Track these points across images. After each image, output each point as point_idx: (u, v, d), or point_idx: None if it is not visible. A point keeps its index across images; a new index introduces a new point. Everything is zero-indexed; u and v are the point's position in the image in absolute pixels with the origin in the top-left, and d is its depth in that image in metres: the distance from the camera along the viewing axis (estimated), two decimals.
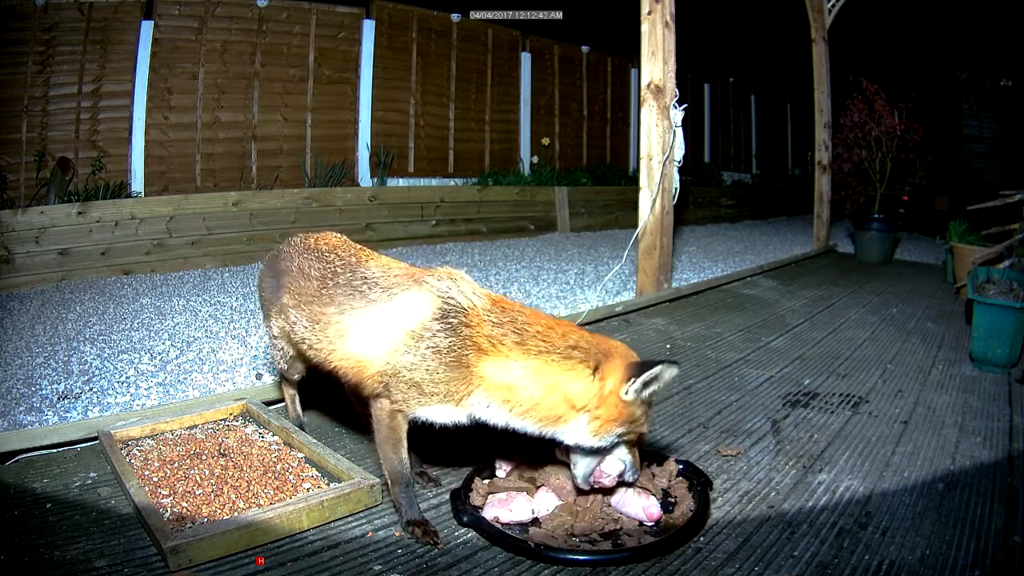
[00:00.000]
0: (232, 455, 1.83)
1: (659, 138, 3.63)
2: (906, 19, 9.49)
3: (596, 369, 1.39)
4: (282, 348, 1.84)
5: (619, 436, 1.41)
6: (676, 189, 3.72)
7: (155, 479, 1.69)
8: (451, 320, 1.40)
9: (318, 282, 1.62)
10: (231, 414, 2.12)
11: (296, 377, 1.96)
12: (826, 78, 6.03)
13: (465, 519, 1.54)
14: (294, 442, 1.89)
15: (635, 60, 5.90)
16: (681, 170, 3.75)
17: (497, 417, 1.43)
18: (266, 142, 6.07)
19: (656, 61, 3.60)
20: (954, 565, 1.45)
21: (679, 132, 3.65)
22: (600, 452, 1.45)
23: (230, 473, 1.73)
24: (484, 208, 6.73)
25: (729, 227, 8.53)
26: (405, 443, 1.51)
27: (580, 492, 1.56)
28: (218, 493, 1.63)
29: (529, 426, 1.42)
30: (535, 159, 7.91)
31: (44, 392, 2.42)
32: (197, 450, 1.86)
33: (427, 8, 7.00)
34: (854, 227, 6.04)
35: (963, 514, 1.66)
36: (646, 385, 1.37)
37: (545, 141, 8.03)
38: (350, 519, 1.57)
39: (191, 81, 5.67)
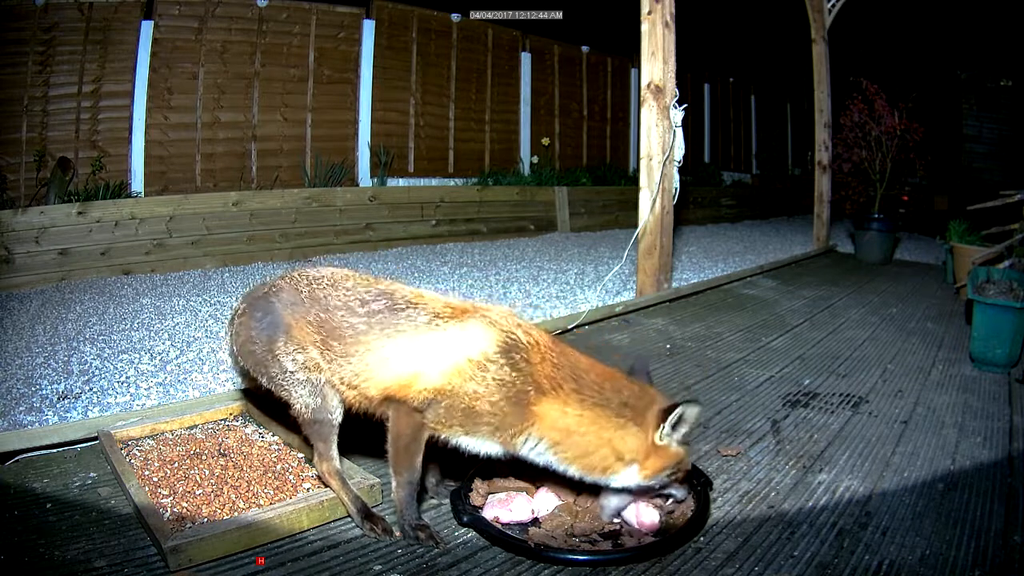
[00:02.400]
0: (232, 455, 1.83)
1: (659, 138, 3.63)
2: (906, 19, 9.48)
3: (642, 424, 1.42)
4: (306, 380, 1.51)
5: (668, 478, 1.46)
6: (676, 189, 3.72)
7: (155, 479, 1.69)
8: (513, 355, 1.40)
9: (343, 312, 1.48)
10: (231, 414, 2.12)
11: (334, 415, 1.55)
12: (826, 78, 6.03)
13: (465, 519, 1.54)
14: (294, 442, 1.89)
15: (635, 60, 5.90)
16: (681, 170, 3.75)
17: (541, 458, 1.44)
18: (266, 142, 6.07)
19: (656, 61, 3.60)
20: (954, 565, 1.45)
21: (679, 132, 3.65)
22: (642, 492, 1.49)
23: (230, 473, 1.73)
24: (484, 208, 6.73)
25: (729, 227, 8.54)
26: (422, 453, 1.50)
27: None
28: (218, 493, 1.63)
29: (573, 471, 1.43)
30: (535, 159, 7.91)
31: (44, 392, 2.42)
32: (197, 450, 1.86)
33: (427, 8, 7.00)
34: (854, 227, 6.04)
35: (963, 514, 1.66)
36: (675, 427, 1.42)
37: (545, 141, 8.03)
38: (350, 519, 1.57)
39: (191, 81, 5.67)
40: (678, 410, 1.40)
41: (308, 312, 1.50)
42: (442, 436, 1.45)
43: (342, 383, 1.50)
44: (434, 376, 1.40)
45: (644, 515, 1.51)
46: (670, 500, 1.57)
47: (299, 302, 1.52)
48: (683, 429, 1.43)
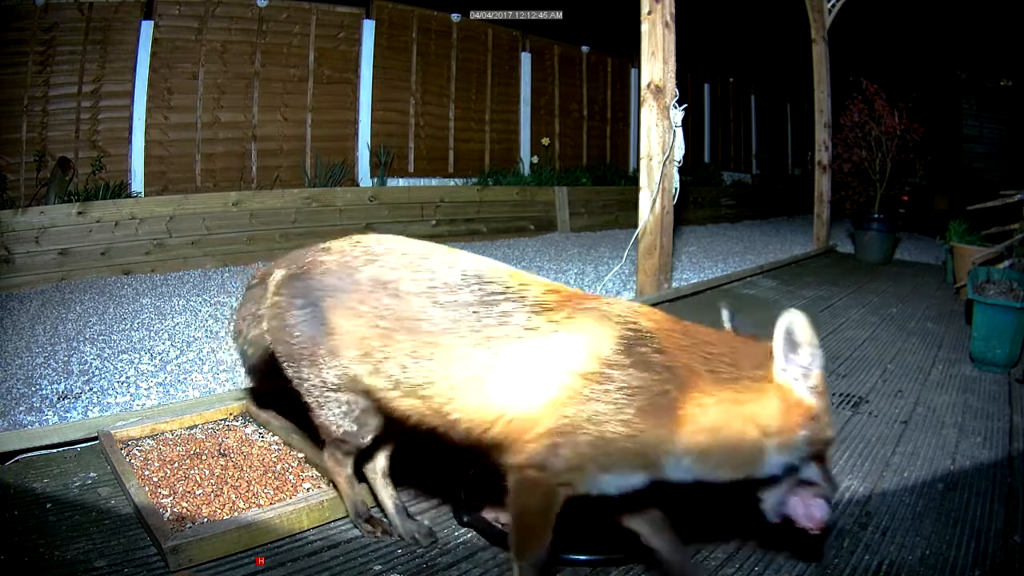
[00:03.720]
0: (232, 455, 1.84)
1: (659, 138, 3.62)
2: (906, 19, 9.48)
3: (772, 381, 1.12)
4: (346, 402, 1.32)
5: (807, 444, 1.11)
6: (676, 189, 3.72)
7: (155, 479, 1.69)
8: (640, 349, 1.09)
9: (423, 299, 1.19)
10: (231, 414, 2.12)
11: (366, 440, 1.38)
12: (826, 78, 6.02)
13: (465, 519, 1.54)
14: (294, 442, 1.89)
15: (635, 60, 5.90)
16: (681, 170, 3.75)
17: (689, 474, 1.12)
18: (266, 142, 6.06)
19: (656, 61, 3.60)
20: (954, 565, 1.45)
21: (679, 132, 3.65)
22: (788, 474, 1.16)
23: (230, 473, 1.73)
24: (484, 208, 6.73)
25: (729, 227, 8.53)
26: (554, 523, 1.14)
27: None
28: (218, 493, 1.63)
29: (722, 474, 1.12)
30: (535, 159, 7.90)
31: (44, 392, 2.41)
32: (197, 450, 1.86)
33: (427, 8, 7.00)
34: (854, 227, 6.03)
35: (963, 514, 1.67)
36: (789, 354, 1.09)
37: (545, 141, 8.03)
38: (349, 520, 1.57)
39: (191, 81, 5.66)
40: (781, 322, 1.08)
41: (365, 298, 1.23)
42: (579, 489, 1.13)
43: (399, 387, 1.21)
44: (545, 412, 1.08)
45: (814, 508, 1.19)
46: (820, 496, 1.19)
47: (353, 287, 1.25)
48: (803, 357, 1.08)
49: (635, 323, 1.14)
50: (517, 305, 1.16)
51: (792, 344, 1.09)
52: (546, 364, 1.10)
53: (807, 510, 1.19)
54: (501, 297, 1.17)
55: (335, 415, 1.34)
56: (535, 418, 1.10)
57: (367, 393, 1.29)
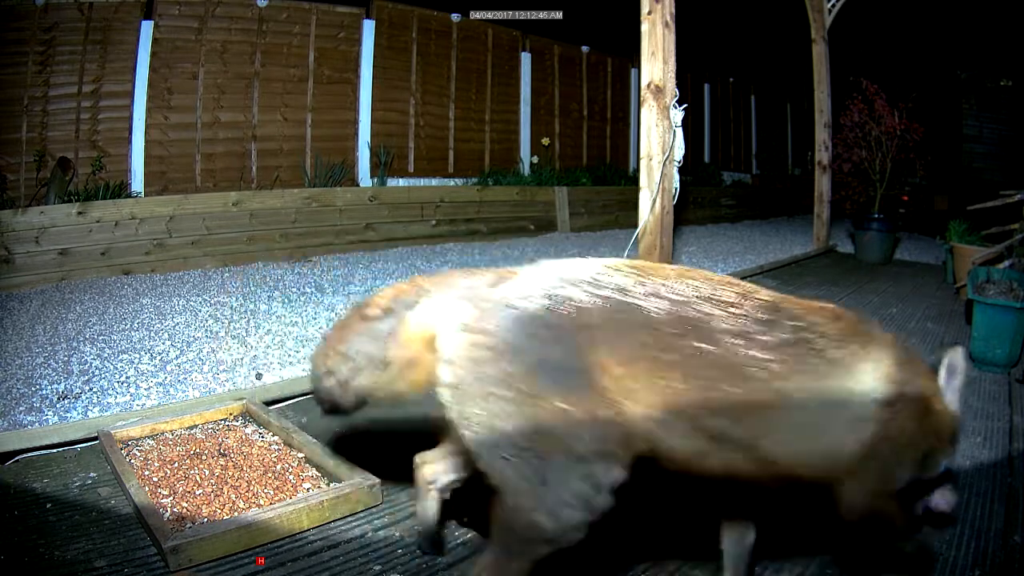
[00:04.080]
0: (232, 455, 1.84)
1: (659, 138, 3.62)
2: (906, 19, 9.49)
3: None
4: (590, 475, 1.00)
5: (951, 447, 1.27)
6: (676, 189, 3.71)
7: (155, 479, 1.69)
8: (908, 369, 1.15)
9: (742, 340, 1.03)
10: (231, 414, 2.12)
11: (579, 536, 1.05)
12: (826, 78, 6.02)
13: (466, 519, 1.54)
14: (294, 442, 1.89)
15: (635, 60, 5.91)
16: (681, 170, 3.75)
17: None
18: (266, 142, 6.06)
19: (656, 61, 3.60)
20: (954, 565, 1.45)
21: (679, 132, 3.64)
22: (944, 473, 1.30)
23: (230, 473, 1.73)
24: (484, 208, 6.73)
25: (729, 227, 8.53)
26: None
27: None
28: (218, 493, 1.63)
29: (915, 474, 1.23)
30: (535, 159, 7.91)
31: (44, 392, 2.41)
32: (197, 450, 1.86)
33: (427, 8, 7.00)
34: (854, 227, 6.03)
35: (963, 514, 1.66)
36: (950, 375, 1.22)
37: (545, 141, 8.03)
38: (350, 519, 1.57)
39: (191, 81, 5.66)
40: (947, 354, 1.21)
41: (668, 342, 1.01)
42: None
43: (721, 445, 1.05)
44: (866, 442, 1.10)
45: (948, 495, 1.35)
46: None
47: (643, 328, 1.02)
48: (958, 381, 1.23)
49: (897, 343, 1.18)
50: (825, 340, 1.10)
51: (952, 371, 1.23)
52: (859, 397, 1.09)
53: (944, 499, 1.34)
54: (814, 335, 1.09)
55: (566, 497, 0.98)
56: (859, 451, 1.10)
57: (655, 457, 1.06)
